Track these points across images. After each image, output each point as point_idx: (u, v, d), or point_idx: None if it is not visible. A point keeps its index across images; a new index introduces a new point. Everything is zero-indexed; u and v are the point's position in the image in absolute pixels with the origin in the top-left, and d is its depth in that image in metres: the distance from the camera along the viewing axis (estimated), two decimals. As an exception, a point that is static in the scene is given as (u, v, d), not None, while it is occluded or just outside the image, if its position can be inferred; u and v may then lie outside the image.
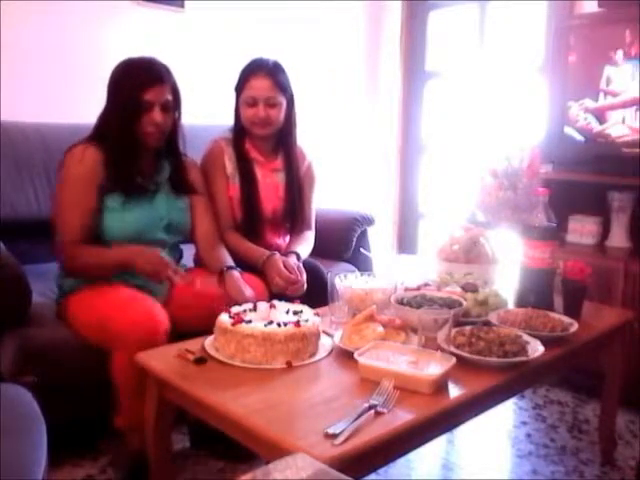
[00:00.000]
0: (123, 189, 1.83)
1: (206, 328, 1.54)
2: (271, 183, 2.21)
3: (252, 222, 2.15)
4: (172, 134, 1.93)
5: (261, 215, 2.17)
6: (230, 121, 2.21)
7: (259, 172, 2.19)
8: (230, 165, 2.15)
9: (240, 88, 2.13)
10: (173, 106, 1.88)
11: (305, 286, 2.00)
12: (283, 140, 2.22)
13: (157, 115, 1.82)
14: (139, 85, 1.80)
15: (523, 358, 1.46)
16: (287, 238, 2.29)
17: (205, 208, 2.04)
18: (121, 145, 1.82)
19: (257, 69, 2.11)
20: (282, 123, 2.16)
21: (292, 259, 2.07)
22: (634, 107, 2.49)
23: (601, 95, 2.58)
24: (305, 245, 2.23)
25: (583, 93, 2.63)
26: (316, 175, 2.33)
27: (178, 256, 2.03)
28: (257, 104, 2.09)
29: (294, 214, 2.24)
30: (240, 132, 2.18)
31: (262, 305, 1.62)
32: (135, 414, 1.60)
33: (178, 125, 1.94)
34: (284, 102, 2.14)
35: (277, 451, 1.08)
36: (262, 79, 2.09)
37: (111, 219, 1.83)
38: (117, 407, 1.67)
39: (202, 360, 1.44)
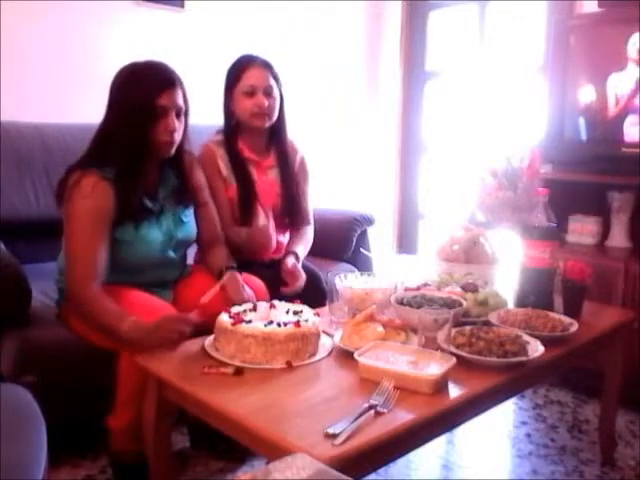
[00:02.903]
0: (133, 218, 1.74)
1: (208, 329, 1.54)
2: (267, 181, 2.20)
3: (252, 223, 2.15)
4: (180, 142, 1.83)
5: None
6: (229, 121, 2.21)
7: (254, 171, 2.18)
8: (224, 167, 2.13)
9: (234, 81, 2.12)
10: (184, 113, 1.78)
11: (303, 284, 2.02)
12: (275, 136, 2.22)
13: (172, 121, 1.71)
14: (152, 89, 1.68)
15: (523, 358, 1.46)
16: (287, 234, 2.29)
17: (209, 214, 1.99)
18: (130, 157, 1.71)
19: (252, 61, 2.12)
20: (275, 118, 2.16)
21: (290, 260, 2.08)
22: (634, 107, 2.49)
23: (601, 95, 2.58)
24: (304, 243, 2.23)
25: (583, 93, 2.63)
26: (309, 168, 2.33)
27: (183, 269, 1.99)
28: (256, 93, 2.09)
29: (292, 210, 2.24)
30: (231, 131, 2.17)
31: (262, 305, 1.62)
32: (135, 416, 1.61)
33: (186, 133, 1.84)
34: (278, 95, 2.15)
35: (277, 451, 1.08)
36: (259, 69, 2.11)
37: (125, 250, 1.76)
38: (115, 407, 1.66)
39: (240, 371, 1.39)
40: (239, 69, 2.12)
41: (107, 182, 1.69)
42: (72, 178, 1.71)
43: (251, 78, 2.10)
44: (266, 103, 2.09)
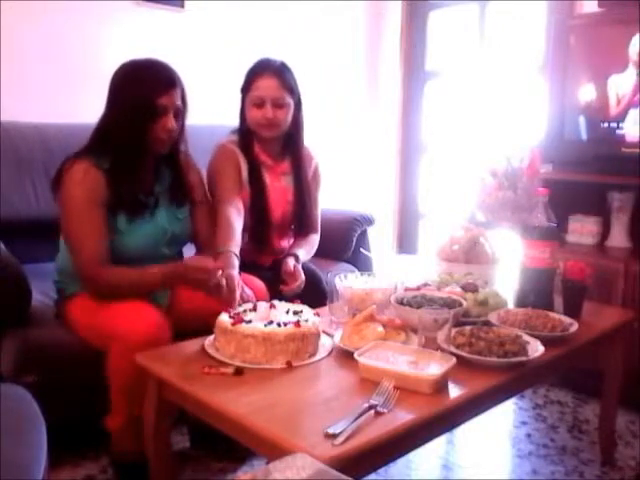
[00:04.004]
0: (127, 210, 1.76)
1: (207, 329, 1.54)
2: (280, 187, 2.18)
3: (260, 228, 2.12)
4: (176, 140, 1.85)
5: (270, 221, 2.14)
6: (230, 121, 2.20)
7: (267, 176, 2.15)
8: (244, 170, 2.11)
9: (246, 89, 2.10)
10: (182, 111, 1.81)
11: (302, 286, 2.01)
12: (290, 143, 2.18)
13: (171, 121, 1.75)
14: (154, 88, 1.72)
15: (523, 358, 1.46)
16: (291, 239, 2.27)
17: (205, 215, 1.99)
18: (127, 153, 1.74)
19: (264, 69, 2.08)
20: (289, 125, 2.12)
21: (290, 260, 2.07)
22: (634, 107, 2.49)
23: (601, 95, 2.58)
24: (307, 247, 2.21)
25: (583, 93, 2.64)
26: (322, 176, 2.31)
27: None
28: (264, 104, 2.05)
29: (302, 218, 2.21)
30: (247, 135, 2.13)
31: (262, 305, 1.62)
32: (129, 415, 1.61)
33: (183, 131, 1.86)
34: (291, 103, 2.09)
35: (277, 451, 1.08)
36: (269, 79, 2.06)
37: (117, 241, 1.76)
38: (110, 407, 1.66)
39: (240, 371, 1.40)
40: (251, 77, 2.09)
41: (99, 170, 1.72)
42: (65, 167, 1.74)
43: (260, 89, 2.05)
44: (272, 115, 2.05)
